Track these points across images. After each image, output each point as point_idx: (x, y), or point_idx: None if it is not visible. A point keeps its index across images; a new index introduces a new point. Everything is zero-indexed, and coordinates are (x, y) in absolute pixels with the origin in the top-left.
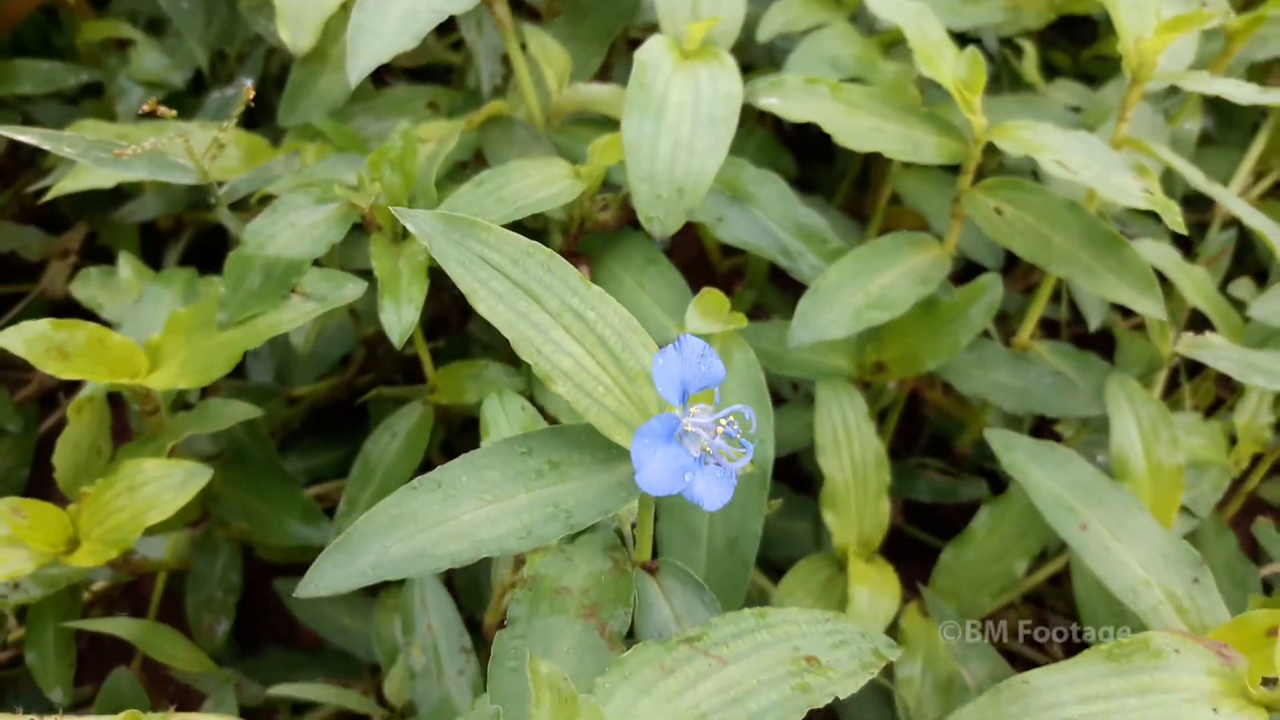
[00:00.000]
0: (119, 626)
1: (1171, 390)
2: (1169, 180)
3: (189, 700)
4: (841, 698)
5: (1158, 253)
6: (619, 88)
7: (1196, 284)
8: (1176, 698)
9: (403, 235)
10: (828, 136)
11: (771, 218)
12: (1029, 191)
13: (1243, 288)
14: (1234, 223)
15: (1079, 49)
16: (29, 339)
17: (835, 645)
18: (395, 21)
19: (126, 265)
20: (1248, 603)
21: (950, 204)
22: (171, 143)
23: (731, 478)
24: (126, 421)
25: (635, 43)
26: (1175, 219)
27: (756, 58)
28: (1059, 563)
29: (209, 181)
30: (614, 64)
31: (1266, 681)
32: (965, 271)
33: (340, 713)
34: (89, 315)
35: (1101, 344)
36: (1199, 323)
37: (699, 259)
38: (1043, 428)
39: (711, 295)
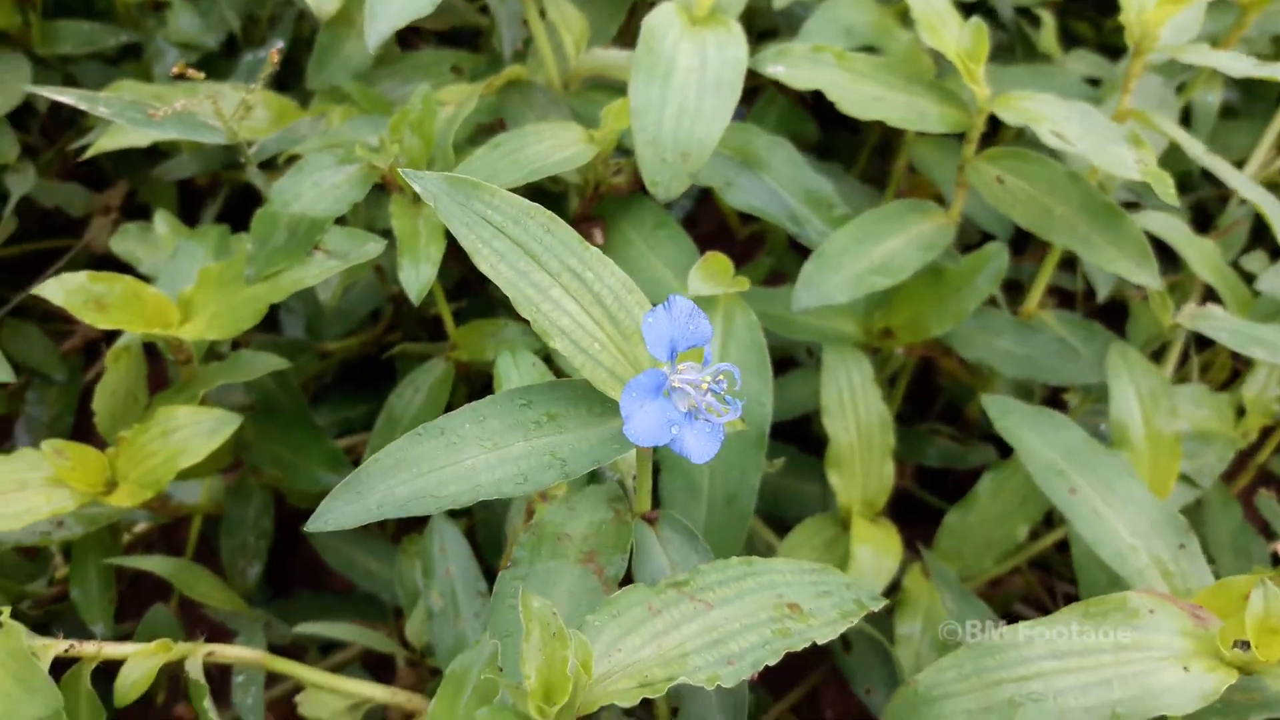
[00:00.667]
0: (156, 564)
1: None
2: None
3: (221, 637)
4: (819, 643)
5: (1166, 225)
6: (634, 53)
7: (1204, 256)
8: (1149, 655)
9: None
10: None
11: (781, 184)
12: (1031, 161)
13: (1256, 261)
14: None
15: (1103, 19)
16: (69, 290)
17: (819, 594)
18: None
19: (163, 222)
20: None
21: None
22: (201, 104)
23: (719, 433)
24: (164, 371)
25: (654, 8)
26: (1168, 191)
27: (774, 25)
28: (1064, 530)
29: (238, 141)
30: (632, 29)
31: (1240, 644)
32: (980, 243)
33: (365, 652)
34: (128, 269)
35: (1118, 317)
36: (1214, 296)
37: (721, 228)
38: (1055, 399)
39: (715, 259)
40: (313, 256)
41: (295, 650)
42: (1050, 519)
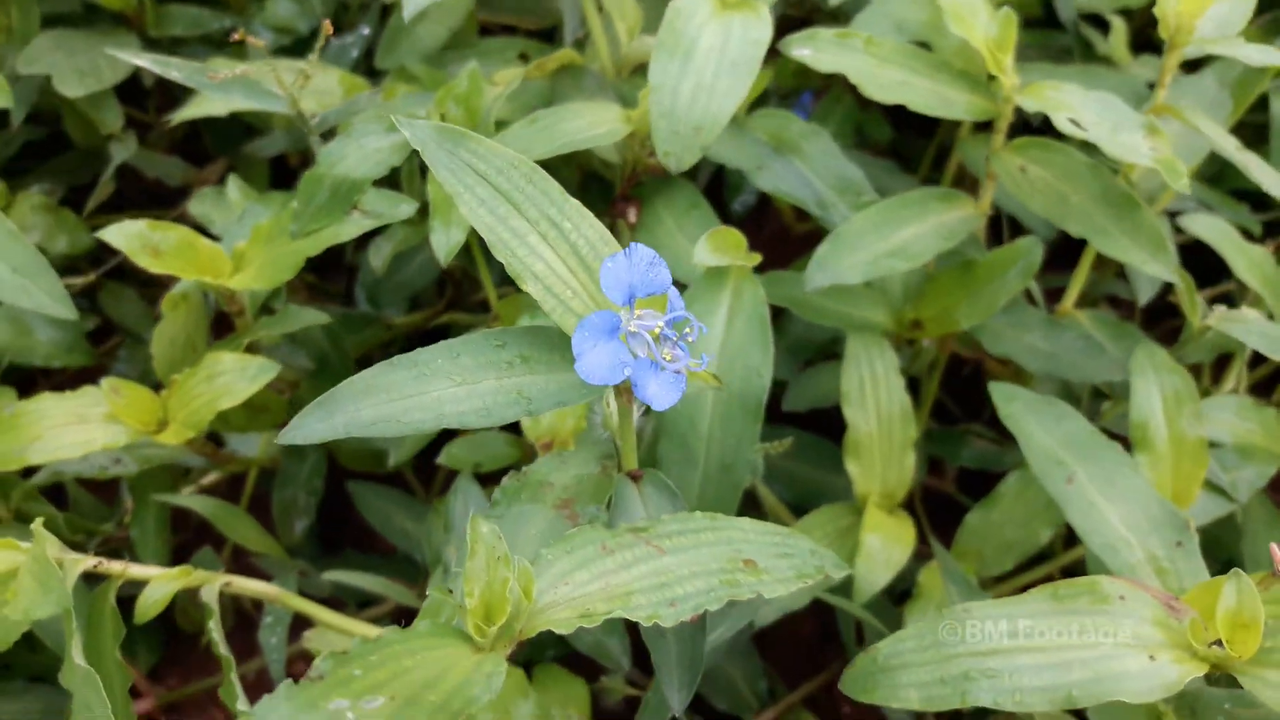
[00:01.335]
0: (198, 502)
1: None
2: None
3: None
4: (766, 596)
5: (1213, 229)
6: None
7: (1251, 261)
8: (1114, 641)
9: None
10: None
11: (813, 170)
12: (1054, 151)
13: None
14: None
15: None
16: (128, 235)
17: (779, 555)
18: None
19: (234, 187)
20: None
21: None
22: (261, 72)
23: (681, 382)
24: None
25: None
26: (1181, 181)
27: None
28: None
29: (298, 110)
30: None
31: (1216, 643)
32: None
33: (398, 608)
34: (204, 232)
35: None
36: None
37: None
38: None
39: (726, 232)
40: (351, 216)
41: (334, 604)
42: None
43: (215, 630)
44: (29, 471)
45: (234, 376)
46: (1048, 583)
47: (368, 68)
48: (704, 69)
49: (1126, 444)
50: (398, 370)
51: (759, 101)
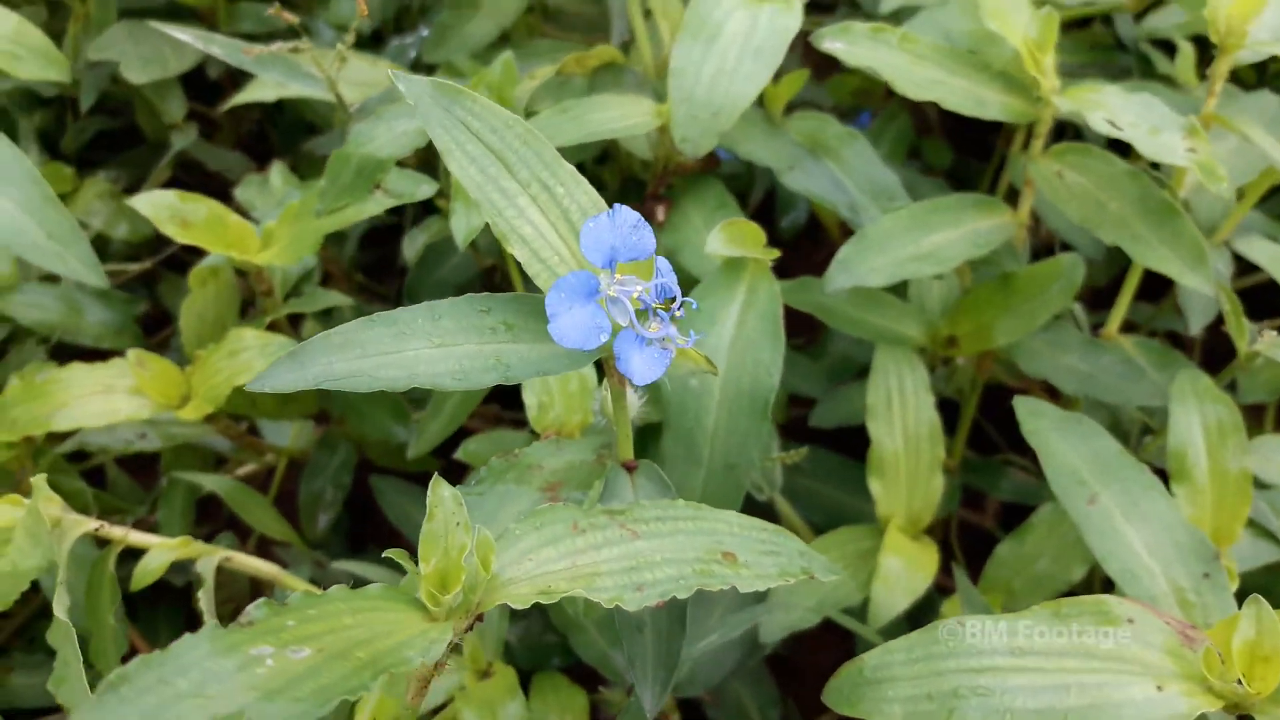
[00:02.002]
0: (217, 483)
1: None
2: None
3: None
4: (741, 590)
5: (1269, 253)
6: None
7: None
8: (1118, 666)
9: None
10: (987, 131)
11: (847, 173)
12: (1092, 156)
13: None
14: None
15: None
16: (156, 204)
17: (763, 552)
18: None
19: (277, 173)
20: None
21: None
22: (298, 52)
23: (666, 358)
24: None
25: None
26: (1220, 185)
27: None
28: None
29: (337, 94)
30: None
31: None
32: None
33: None
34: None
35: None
36: None
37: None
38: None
39: (743, 224)
40: (373, 195)
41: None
42: None
43: (204, 600)
44: (63, 444)
45: (255, 353)
46: (1052, 601)
47: (428, 68)
48: (727, 53)
49: (1165, 478)
50: (376, 327)
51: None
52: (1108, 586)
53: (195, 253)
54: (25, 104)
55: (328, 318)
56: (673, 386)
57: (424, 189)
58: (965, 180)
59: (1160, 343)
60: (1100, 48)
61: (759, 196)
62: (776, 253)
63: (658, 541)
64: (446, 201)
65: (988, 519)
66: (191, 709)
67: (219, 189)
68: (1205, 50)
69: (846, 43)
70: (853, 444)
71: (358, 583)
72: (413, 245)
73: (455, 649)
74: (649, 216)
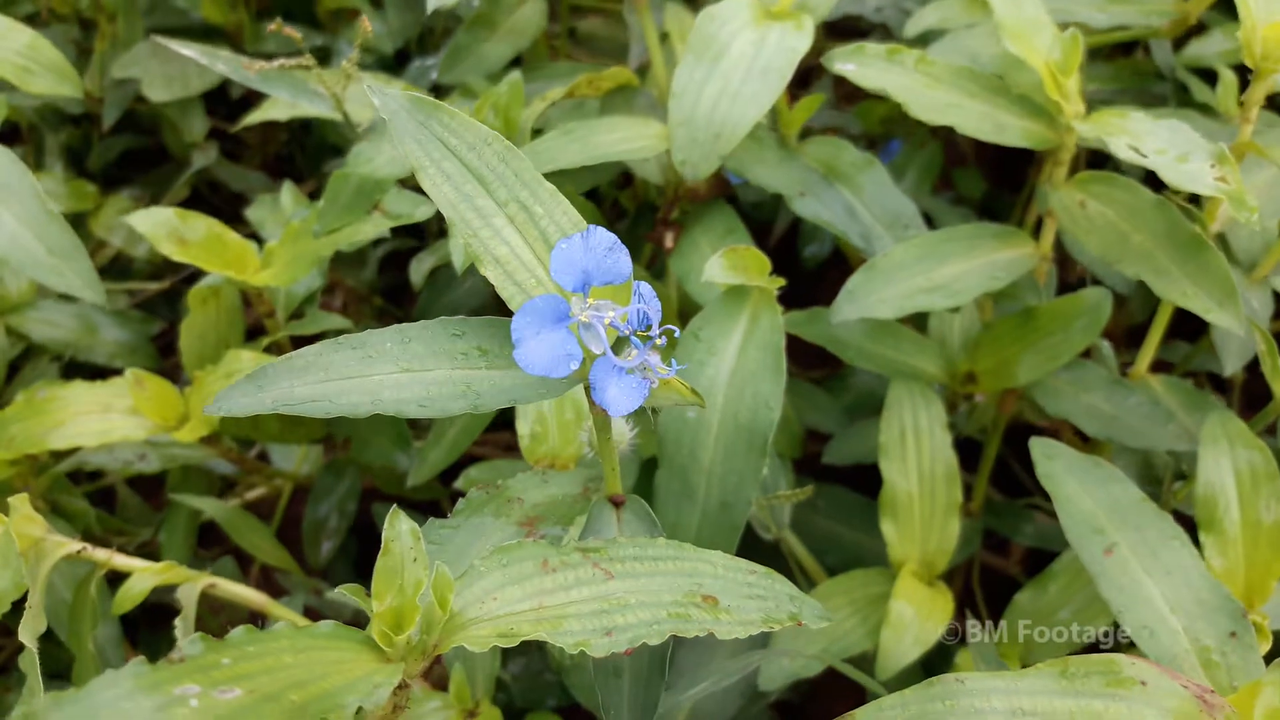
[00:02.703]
0: (213, 506)
1: None
2: None
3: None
4: (720, 637)
5: None
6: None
7: None
8: None
9: None
10: (1022, 161)
11: (862, 200)
12: (1118, 186)
13: None
14: None
15: None
16: (154, 221)
17: (748, 596)
18: None
19: (287, 193)
20: None
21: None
22: (303, 67)
23: (645, 388)
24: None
25: None
26: (1250, 215)
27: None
28: None
29: (343, 112)
30: None
31: None
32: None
33: None
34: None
35: None
36: None
37: None
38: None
39: (746, 251)
40: (371, 216)
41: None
42: None
43: (180, 628)
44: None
45: None
46: (1059, 659)
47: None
48: (731, 74)
49: (1193, 528)
50: (341, 350)
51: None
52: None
53: None
54: (53, 121)
55: None
56: (667, 419)
57: (422, 210)
58: (997, 212)
59: (1191, 384)
60: (1140, 74)
61: (784, 226)
62: (781, 281)
63: (633, 582)
64: None
65: (1012, 564)
66: None
67: (242, 210)
68: (1248, 78)
69: (858, 64)
70: (870, 483)
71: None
72: (419, 269)
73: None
74: (659, 242)
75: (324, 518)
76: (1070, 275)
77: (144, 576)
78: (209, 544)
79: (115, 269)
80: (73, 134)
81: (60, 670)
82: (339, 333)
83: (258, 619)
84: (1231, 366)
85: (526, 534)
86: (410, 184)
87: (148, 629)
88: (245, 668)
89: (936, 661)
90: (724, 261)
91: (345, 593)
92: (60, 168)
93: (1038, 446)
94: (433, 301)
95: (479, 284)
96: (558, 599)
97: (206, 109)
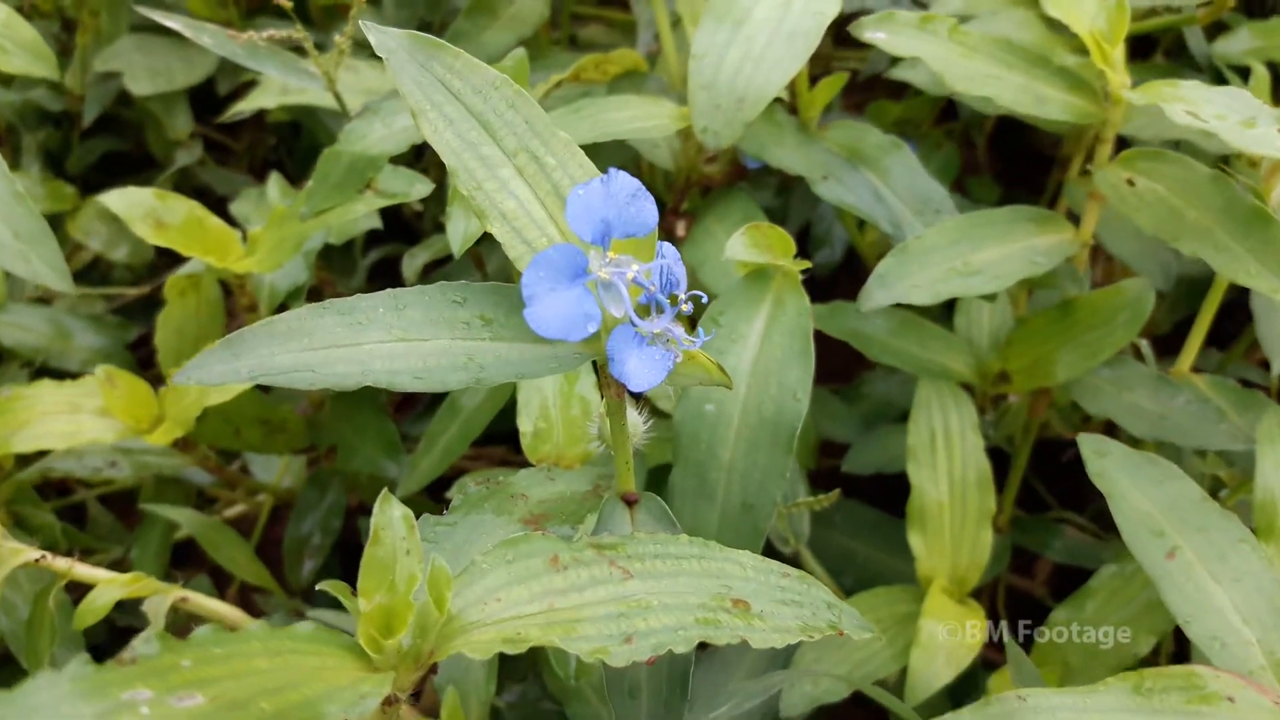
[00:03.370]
0: (182, 515)
1: None
2: None
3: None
4: (754, 646)
5: None
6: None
7: None
8: None
9: None
10: (1037, 169)
11: (890, 185)
12: (1168, 161)
13: None
14: None
15: None
16: (130, 202)
17: (782, 601)
18: None
19: (274, 185)
20: None
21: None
22: (295, 46)
23: (668, 361)
24: None
25: None
26: None
27: None
28: None
29: (335, 91)
30: None
31: None
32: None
33: None
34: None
35: None
36: None
37: None
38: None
39: (770, 230)
40: (364, 195)
41: None
42: None
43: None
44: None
45: None
46: (1132, 672)
47: None
48: (755, 37)
49: None
50: (328, 314)
51: None
52: (1178, 661)
53: None
54: (31, 121)
55: None
56: (683, 412)
57: (419, 188)
58: None
59: (1237, 383)
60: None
61: (793, 230)
62: (807, 263)
63: (654, 583)
64: None
65: (1037, 585)
66: None
67: (227, 215)
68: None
69: (889, 32)
70: (890, 496)
71: None
72: (412, 264)
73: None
74: (669, 233)
75: (307, 535)
76: (1096, 275)
77: (108, 589)
78: (185, 563)
79: (94, 274)
80: (51, 135)
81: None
82: None
83: None
84: None
85: (531, 531)
86: (405, 160)
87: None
88: (209, 671)
89: (963, 689)
90: (746, 239)
91: (329, 590)
92: (38, 169)
93: (1087, 443)
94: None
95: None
96: (570, 600)
97: (194, 112)
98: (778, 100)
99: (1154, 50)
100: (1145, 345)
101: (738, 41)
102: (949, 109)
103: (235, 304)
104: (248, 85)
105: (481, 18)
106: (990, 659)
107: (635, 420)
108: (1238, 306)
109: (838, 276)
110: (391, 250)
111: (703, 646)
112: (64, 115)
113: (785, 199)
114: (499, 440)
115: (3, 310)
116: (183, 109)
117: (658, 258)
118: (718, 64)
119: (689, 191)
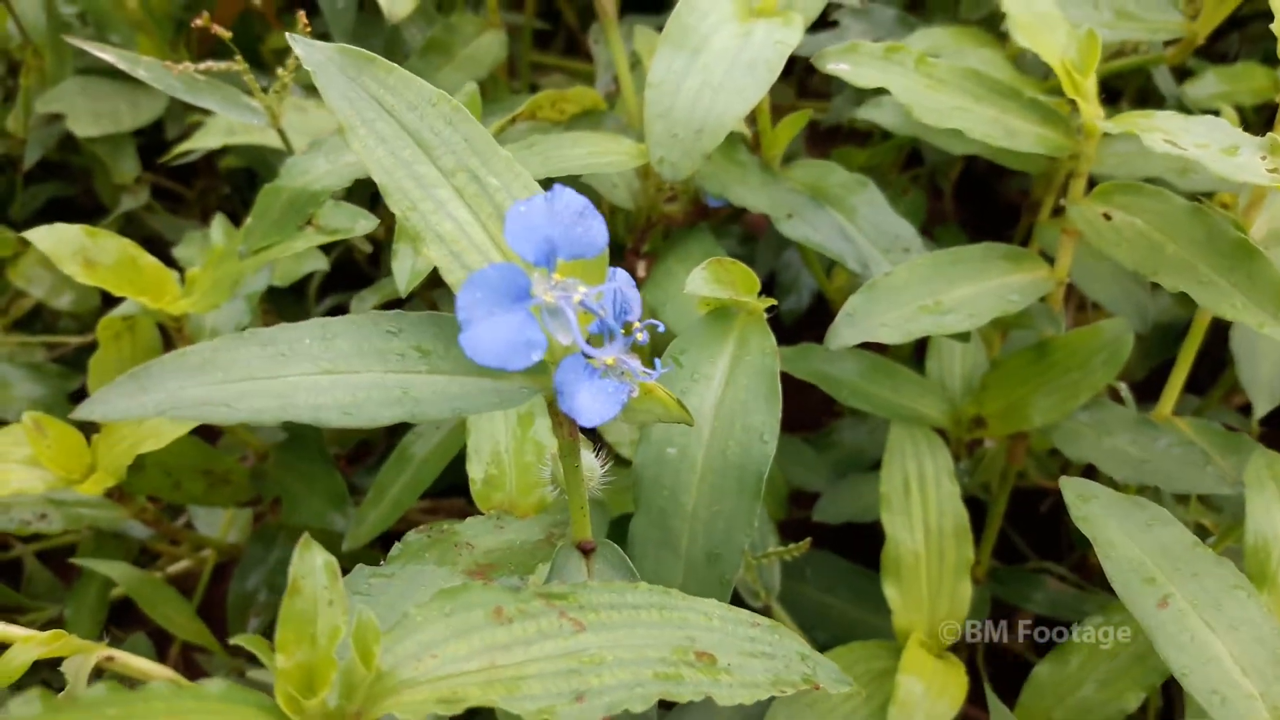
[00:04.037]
0: (115, 569)
1: None
2: None
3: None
4: (720, 703)
5: None
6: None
7: None
8: None
9: None
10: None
11: (856, 224)
12: (1147, 195)
13: None
14: None
15: None
16: (59, 239)
17: (750, 654)
18: None
19: (218, 228)
20: None
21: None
22: (234, 72)
23: (621, 395)
24: None
25: None
26: None
27: None
28: None
29: (278, 128)
30: None
31: None
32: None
33: None
34: None
35: None
36: None
37: None
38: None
39: (731, 264)
40: (304, 231)
41: None
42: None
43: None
44: None
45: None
46: None
47: None
48: (713, 66)
49: None
50: (248, 345)
51: None
52: (1171, 713)
53: None
54: None
55: None
56: (645, 455)
57: (362, 224)
58: None
59: (1221, 426)
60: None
61: (760, 278)
62: (771, 300)
63: (609, 635)
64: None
65: (1017, 641)
66: None
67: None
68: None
69: (852, 64)
70: (862, 547)
71: None
72: (361, 308)
73: None
74: (629, 274)
75: (252, 591)
76: (1069, 322)
77: (25, 648)
78: (127, 623)
79: (36, 323)
80: None
81: None
82: None
83: None
84: (1264, 406)
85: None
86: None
87: None
88: None
89: None
90: (707, 274)
91: (245, 645)
92: None
93: (1071, 487)
94: None
95: None
96: (515, 655)
97: (144, 159)
98: (740, 139)
99: (1120, 98)
100: (1124, 388)
101: (696, 70)
102: (914, 156)
103: (174, 348)
104: (196, 128)
105: (435, 58)
106: (972, 716)
107: (591, 462)
108: (1213, 351)
109: (805, 324)
110: (345, 297)
111: (665, 705)
112: (6, 160)
113: (750, 247)
114: (457, 493)
115: None
116: (129, 152)
117: (609, 280)
118: (675, 92)
119: (650, 232)
